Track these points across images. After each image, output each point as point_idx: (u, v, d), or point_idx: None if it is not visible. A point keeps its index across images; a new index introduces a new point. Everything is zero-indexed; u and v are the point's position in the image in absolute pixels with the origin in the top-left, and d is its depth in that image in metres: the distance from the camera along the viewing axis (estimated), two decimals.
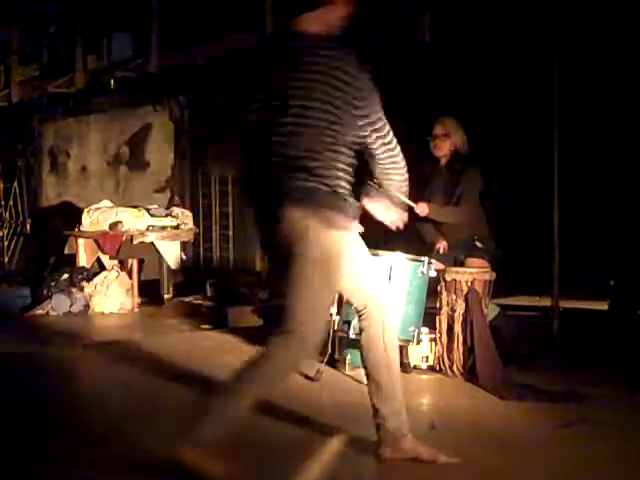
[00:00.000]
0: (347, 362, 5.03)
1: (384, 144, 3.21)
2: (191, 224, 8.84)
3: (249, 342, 6.05)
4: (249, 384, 3.19)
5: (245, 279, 8.22)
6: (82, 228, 8.57)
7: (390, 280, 4.78)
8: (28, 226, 11.85)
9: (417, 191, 5.65)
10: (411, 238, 5.72)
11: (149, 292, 8.43)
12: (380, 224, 3.57)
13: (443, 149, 5.62)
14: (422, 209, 5.40)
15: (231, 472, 3.07)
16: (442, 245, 5.52)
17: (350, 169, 3.18)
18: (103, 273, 8.12)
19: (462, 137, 5.64)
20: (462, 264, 5.42)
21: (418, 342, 4.89)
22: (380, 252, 4.86)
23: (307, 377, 4.83)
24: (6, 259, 11.68)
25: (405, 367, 5.01)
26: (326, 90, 3.04)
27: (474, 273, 5.03)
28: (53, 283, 7.92)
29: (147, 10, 10.56)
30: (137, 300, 8.15)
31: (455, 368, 4.93)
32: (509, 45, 6.81)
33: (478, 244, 5.52)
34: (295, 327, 3.14)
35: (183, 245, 8.75)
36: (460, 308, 4.94)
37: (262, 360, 3.21)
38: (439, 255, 5.44)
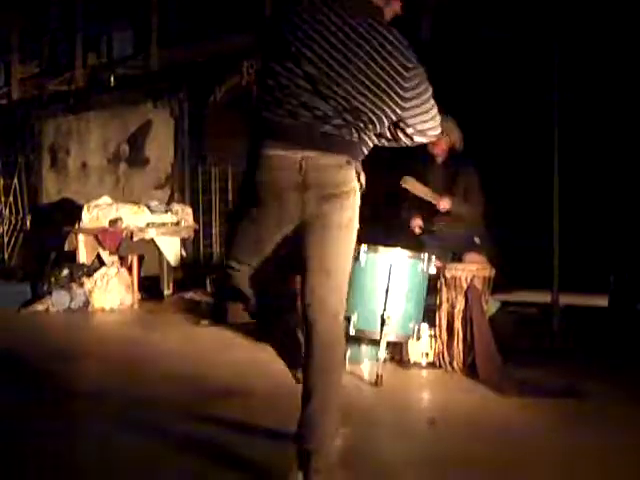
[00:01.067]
0: (347, 358, 5.03)
1: None
2: (191, 220, 8.85)
3: (249, 338, 6.05)
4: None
5: None
6: (82, 224, 8.58)
7: (390, 277, 4.77)
8: (28, 222, 11.86)
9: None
10: (410, 234, 5.75)
11: (149, 288, 8.44)
12: None
13: (440, 147, 5.65)
14: (445, 203, 5.50)
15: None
16: (416, 223, 5.59)
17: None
18: (103, 269, 8.12)
19: (458, 134, 5.66)
20: (460, 259, 5.43)
21: (418, 338, 4.89)
22: (380, 248, 4.87)
23: None
24: (6, 255, 11.69)
25: (405, 363, 5.03)
26: None
27: (474, 270, 5.03)
28: (53, 279, 7.93)
29: (147, 7, 10.57)
30: (137, 296, 8.16)
31: (455, 364, 4.93)
32: (509, 44, 6.81)
33: (477, 240, 5.53)
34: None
35: (183, 241, 8.76)
36: (460, 304, 4.94)
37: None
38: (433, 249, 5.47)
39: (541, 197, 6.10)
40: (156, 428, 3.66)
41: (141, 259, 8.50)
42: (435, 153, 5.71)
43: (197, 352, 5.65)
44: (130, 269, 8.23)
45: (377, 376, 4.58)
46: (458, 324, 4.94)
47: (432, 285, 5.01)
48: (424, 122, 2.95)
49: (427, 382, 4.87)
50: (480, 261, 5.39)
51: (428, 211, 5.71)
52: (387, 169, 6.27)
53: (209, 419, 3.87)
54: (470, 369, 4.84)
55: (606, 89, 6.60)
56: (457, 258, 5.49)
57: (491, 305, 5.25)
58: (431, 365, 5.04)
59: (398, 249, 4.89)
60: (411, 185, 5.64)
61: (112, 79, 11.00)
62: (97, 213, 8.50)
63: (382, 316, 4.72)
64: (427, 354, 5.05)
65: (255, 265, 3.03)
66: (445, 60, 7.11)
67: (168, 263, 8.43)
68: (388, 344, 4.82)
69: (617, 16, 6.43)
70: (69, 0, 11.91)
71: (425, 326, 4.96)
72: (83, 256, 8.45)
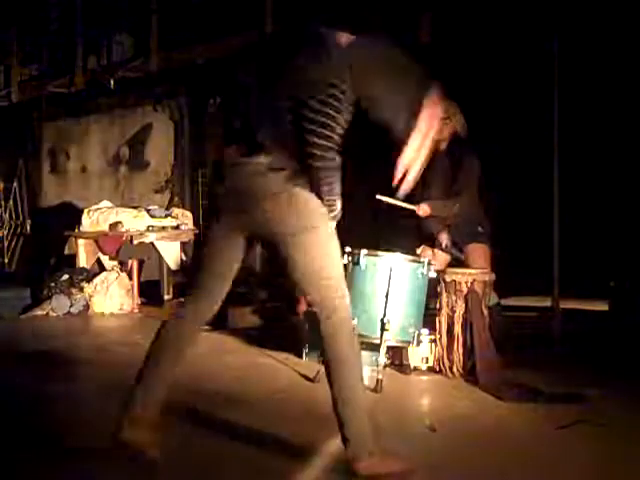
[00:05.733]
0: None
1: None
2: (191, 224, 8.84)
3: (250, 343, 6.05)
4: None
5: (245, 279, 8.21)
6: (82, 229, 8.57)
7: (390, 281, 4.76)
8: (28, 227, 11.85)
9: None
10: (411, 238, 5.74)
11: (149, 293, 8.42)
12: None
13: (444, 132, 5.58)
14: (424, 210, 5.43)
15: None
16: (444, 238, 5.52)
17: None
18: (103, 274, 8.12)
19: (462, 120, 5.62)
20: (461, 250, 5.44)
21: (418, 343, 4.88)
22: (380, 253, 4.86)
23: (307, 378, 4.83)
24: (6, 260, 11.68)
25: (405, 368, 5.02)
26: None
27: (474, 274, 5.02)
28: (53, 284, 7.92)
29: (147, 10, 10.57)
30: (137, 301, 8.15)
31: (455, 369, 4.92)
32: (509, 45, 6.81)
33: (480, 229, 5.51)
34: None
35: (183, 245, 8.75)
36: (460, 309, 4.93)
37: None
38: (445, 248, 5.46)
39: (542, 201, 6.10)
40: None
41: (141, 263, 8.49)
42: (439, 139, 5.63)
43: (197, 357, 5.59)
44: (130, 274, 8.22)
45: (377, 381, 4.57)
46: (458, 329, 4.94)
47: (432, 289, 5.01)
48: None
49: (427, 387, 4.86)
50: (485, 253, 5.39)
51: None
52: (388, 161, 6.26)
53: (209, 423, 3.86)
54: (470, 374, 4.84)
55: (607, 91, 6.60)
56: (460, 249, 5.47)
57: (490, 298, 5.24)
58: (431, 370, 5.03)
59: (398, 253, 4.88)
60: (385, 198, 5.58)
61: (112, 82, 10.99)
62: (97, 217, 8.49)
63: (382, 321, 4.71)
64: (427, 359, 5.05)
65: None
66: (445, 61, 7.11)
67: (168, 267, 8.42)
68: (388, 349, 4.81)
69: (618, 11, 6.42)
70: (69, 3, 11.91)
71: (425, 331, 4.96)
72: (83, 260, 8.44)
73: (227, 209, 3.11)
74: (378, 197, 5.52)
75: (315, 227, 3.04)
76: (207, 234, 3.32)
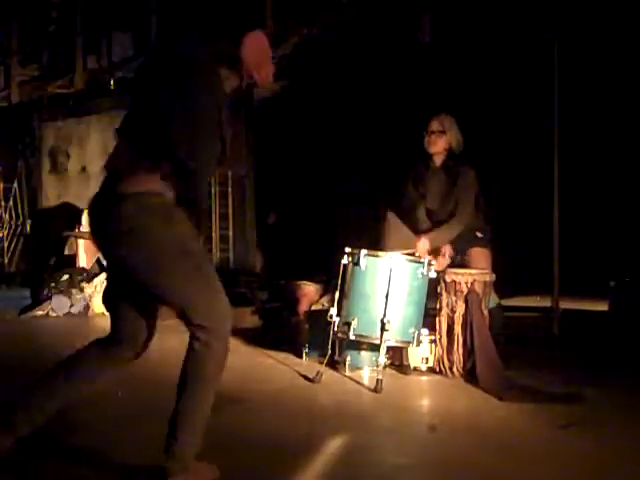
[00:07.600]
0: (347, 364, 5.03)
1: None
2: None
3: (249, 343, 6.05)
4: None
5: (245, 280, 8.22)
6: (82, 229, 8.58)
7: (390, 281, 4.76)
8: (28, 227, 11.85)
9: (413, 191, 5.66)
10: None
11: None
12: None
13: (438, 145, 5.52)
14: (424, 246, 5.33)
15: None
16: (447, 249, 5.45)
17: None
18: (103, 274, 8.12)
19: (457, 135, 5.57)
20: (463, 256, 5.43)
21: (418, 343, 4.88)
22: (380, 253, 4.86)
23: (307, 379, 4.83)
24: (6, 260, 11.68)
25: (405, 369, 5.02)
26: None
27: (474, 274, 5.02)
28: (53, 284, 7.93)
29: (147, 10, 10.57)
30: None
31: (455, 369, 4.92)
32: (508, 45, 6.81)
33: (479, 234, 5.50)
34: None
35: None
36: (460, 309, 4.93)
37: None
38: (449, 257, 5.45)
39: (541, 201, 6.10)
40: (155, 432, 3.65)
41: None
42: (433, 152, 5.59)
43: None
44: None
45: (377, 381, 4.57)
46: (458, 329, 4.93)
47: (432, 289, 5.00)
48: None
49: (427, 387, 4.86)
50: (485, 256, 5.38)
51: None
52: (388, 176, 6.27)
53: (208, 423, 3.85)
54: (470, 374, 4.83)
55: (607, 92, 6.60)
56: (461, 255, 5.46)
57: (491, 299, 5.23)
58: (431, 370, 5.03)
59: (398, 254, 4.88)
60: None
61: (112, 82, 10.99)
62: None
63: (382, 321, 4.71)
64: (427, 359, 5.05)
65: None
66: (444, 61, 7.11)
67: None
68: (388, 349, 4.81)
69: (617, 12, 6.42)
70: (69, 3, 11.91)
71: (425, 331, 4.95)
72: (83, 261, 8.45)
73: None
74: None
75: None
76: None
